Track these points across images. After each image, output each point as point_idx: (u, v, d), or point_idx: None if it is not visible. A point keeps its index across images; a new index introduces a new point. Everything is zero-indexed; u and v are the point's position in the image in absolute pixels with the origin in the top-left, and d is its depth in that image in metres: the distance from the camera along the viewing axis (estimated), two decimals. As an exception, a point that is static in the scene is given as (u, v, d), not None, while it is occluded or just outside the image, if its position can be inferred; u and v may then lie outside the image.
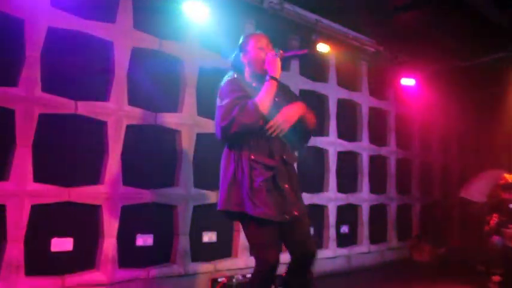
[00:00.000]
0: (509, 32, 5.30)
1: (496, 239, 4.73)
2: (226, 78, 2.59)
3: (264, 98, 2.40)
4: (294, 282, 2.56)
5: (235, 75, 2.59)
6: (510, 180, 4.85)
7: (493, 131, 7.27)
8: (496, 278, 4.66)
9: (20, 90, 3.22)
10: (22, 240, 3.17)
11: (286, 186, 2.46)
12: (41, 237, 3.34)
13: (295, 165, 2.67)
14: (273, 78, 2.45)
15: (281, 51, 2.53)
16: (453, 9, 4.86)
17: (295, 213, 2.44)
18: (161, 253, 3.99)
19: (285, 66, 5.01)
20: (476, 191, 6.06)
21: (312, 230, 5.27)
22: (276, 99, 2.49)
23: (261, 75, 2.53)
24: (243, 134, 2.40)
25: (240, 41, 2.68)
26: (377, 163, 6.22)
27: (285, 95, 2.65)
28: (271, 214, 2.35)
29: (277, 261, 2.38)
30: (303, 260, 2.51)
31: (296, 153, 2.71)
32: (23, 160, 3.21)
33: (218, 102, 2.49)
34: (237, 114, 2.32)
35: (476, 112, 7.49)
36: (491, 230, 4.75)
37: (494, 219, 4.71)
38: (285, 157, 2.52)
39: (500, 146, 7.13)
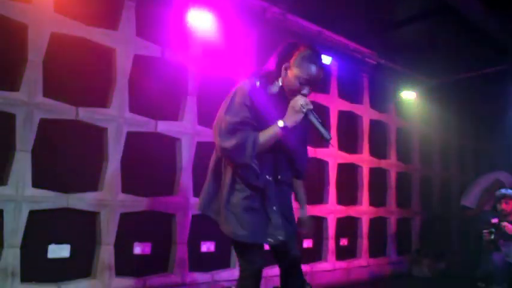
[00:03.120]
0: (507, 46, 5.34)
1: (496, 254, 4.69)
2: (245, 83, 2.29)
3: (264, 144, 2.20)
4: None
5: (257, 84, 2.28)
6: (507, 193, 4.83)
7: (493, 145, 7.28)
8: (497, 295, 4.61)
9: (21, 95, 3.21)
10: (19, 246, 3.13)
11: (274, 208, 2.29)
12: (38, 243, 3.30)
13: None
14: (283, 128, 2.19)
15: (310, 108, 2.19)
16: (453, 23, 4.90)
17: (280, 238, 2.28)
18: (159, 262, 3.94)
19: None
20: (474, 196, 6.02)
21: (310, 242, 5.23)
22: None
23: (286, 98, 2.27)
24: None
25: (292, 50, 2.29)
26: (377, 176, 6.20)
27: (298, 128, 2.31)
28: (241, 234, 2.23)
29: (257, 269, 2.29)
30: (289, 265, 2.46)
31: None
32: (22, 165, 3.19)
33: (223, 107, 2.27)
34: (231, 147, 2.17)
35: (476, 126, 7.49)
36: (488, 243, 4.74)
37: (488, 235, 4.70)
38: (279, 177, 2.35)
39: (499, 160, 7.11)
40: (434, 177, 7.27)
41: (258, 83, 2.29)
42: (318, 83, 2.28)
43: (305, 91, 2.25)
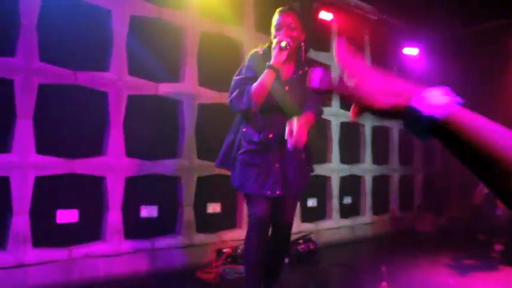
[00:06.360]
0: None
1: (500, 210, 4.73)
2: (251, 51, 2.69)
3: (258, 88, 2.45)
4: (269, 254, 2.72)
5: (261, 50, 2.63)
6: None
7: (495, 101, 7.21)
8: (498, 247, 4.68)
9: (18, 60, 3.14)
10: (27, 212, 3.15)
11: (277, 165, 2.52)
12: (46, 209, 3.31)
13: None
14: (270, 67, 2.45)
15: (288, 43, 2.45)
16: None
17: (277, 192, 2.54)
18: (166, 224, 3.98)
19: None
20: None
21: (315, 201, 5.27)
22: (286, 87, 2.57)
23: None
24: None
25: None
26: (379, 134, 6.19)
27: (299, 84, 2.57)
28: (237, 185, 2.60)
29: (263, 217, 2.56)
30: (277, 229, 2.74)
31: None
32: (24, 131, 3.16)
33: (236, 73, 2.65)
34: (234, 97, 2.50)
35: (478, 81, 7.40)
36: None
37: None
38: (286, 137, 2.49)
39: (502, 116, 7.07)
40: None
41: (261, 51, 2.64)
42: (289, 25, 2.53)
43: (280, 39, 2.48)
